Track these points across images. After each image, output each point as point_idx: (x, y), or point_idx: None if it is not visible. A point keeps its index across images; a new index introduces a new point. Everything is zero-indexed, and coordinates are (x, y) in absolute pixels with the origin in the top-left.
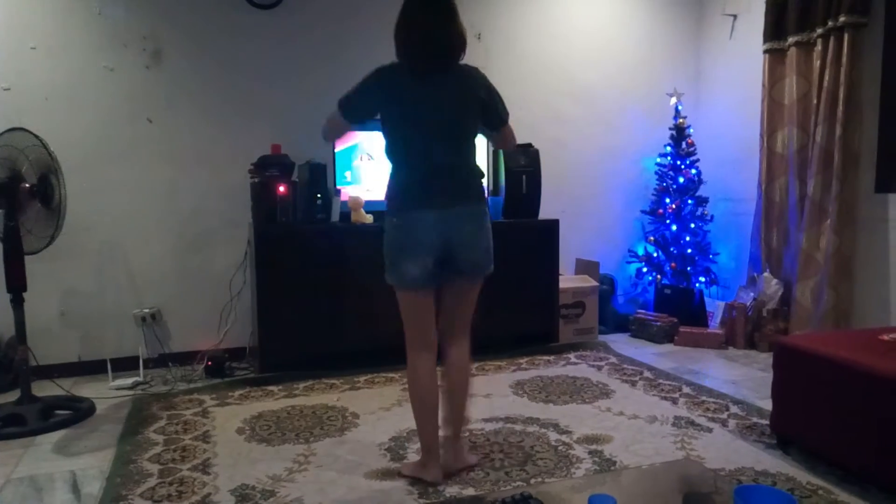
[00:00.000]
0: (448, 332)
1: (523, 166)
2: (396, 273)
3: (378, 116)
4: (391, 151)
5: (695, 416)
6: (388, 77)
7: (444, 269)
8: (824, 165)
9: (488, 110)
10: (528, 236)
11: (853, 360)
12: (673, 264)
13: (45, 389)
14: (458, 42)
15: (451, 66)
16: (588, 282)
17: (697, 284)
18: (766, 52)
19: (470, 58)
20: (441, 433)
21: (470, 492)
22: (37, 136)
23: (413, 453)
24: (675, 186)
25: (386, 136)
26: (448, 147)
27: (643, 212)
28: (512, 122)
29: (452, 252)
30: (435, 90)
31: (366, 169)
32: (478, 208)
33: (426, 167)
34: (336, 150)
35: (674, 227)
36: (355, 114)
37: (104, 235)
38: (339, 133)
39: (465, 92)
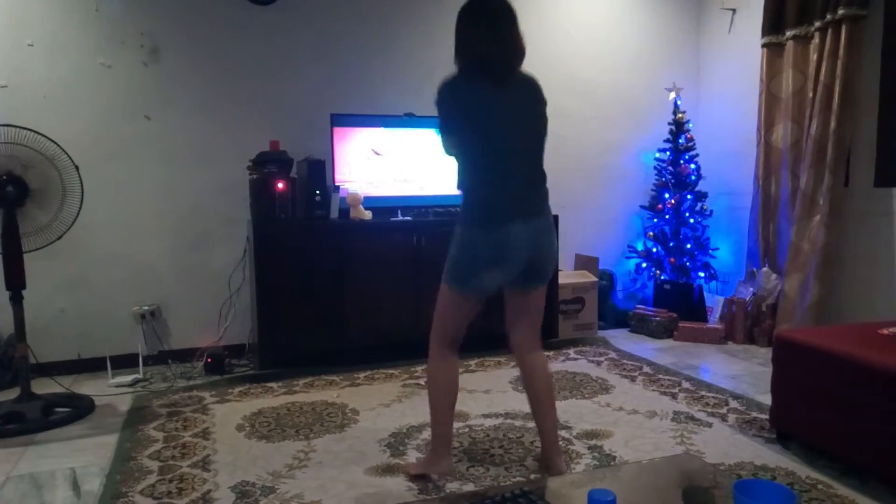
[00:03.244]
0: (525, 340)
1: None
2: (469, 283)
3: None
4: (472, 165)
5: (694, 410)
6: (461, 89)
7: (520, 278)
8: (817, 159)
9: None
10: None
11: (853, 355)
12: (672, 259)
13: (44, 387)
14: (521, 50)
15: (516, 77)
16: (587, 277)
17: (697, 280)
18: (764, 46)
19: None
20: (539, 443)
21: (470, 487)
22: (37, 132)
23: (413, 450)
24: (673, 181)
25: (463, 149)
26: (526, 159)
27: (642, 207)
28: None
29: (535, 261)
30: (508, 100)
31: (367, 167)
32: (550, 217)
33: (510, 181)
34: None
35: (673, 222)
36: (456, 135)
37: (103, 232)
38: (460, 169)
39: (532, 99)
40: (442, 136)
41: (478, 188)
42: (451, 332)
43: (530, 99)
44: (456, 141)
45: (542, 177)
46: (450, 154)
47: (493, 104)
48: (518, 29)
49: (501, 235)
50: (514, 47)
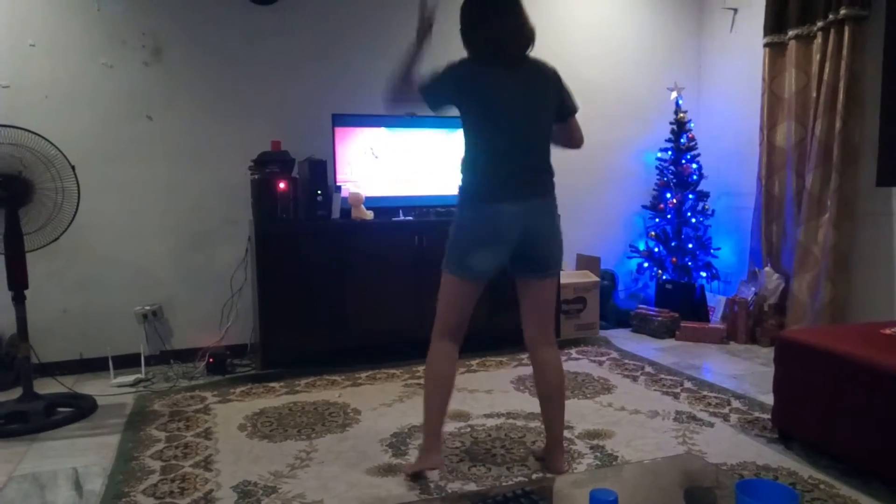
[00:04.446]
0: (536, 335)
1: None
2: (463, 264)
3: (456, 111)
4: (472, 145)
5: (696, 410)
6: (464, 71)
7: (518, 265)
8: (823, 159)
9: (562, 100)
10: None
11: (855, 355)
12: (674, 259)
13: (47, 387)
14: (529, 34)
15: (525, 59)
16: (589, 277)
17: (698, 279)
18: (766, 45)
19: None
20: (544, 438)
21: (472, 487)
22: (36, 134)
23: (415, 449)
24: (675, 181)
25: (466, 130)
26: (526, 142)
27: (644, 207)
28: None
29: (530, 245)
30: (513, 84)
31: (368, 167)
32: (552, 202)
33: (506, 162)
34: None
35: (675, 222)
36: (436, 102)
37: (105, 233)
38: (403, 98)
39: (540, 85)
40: (423, 88)
41: (473, 167)
42: (451, 322)
43: (540, 86)
44: (436, 102)
45: (544, 163)
46: (430, 105)
47: (499, 86)
48: (524, 14)
49: (489, 213)
50: (521, 29)
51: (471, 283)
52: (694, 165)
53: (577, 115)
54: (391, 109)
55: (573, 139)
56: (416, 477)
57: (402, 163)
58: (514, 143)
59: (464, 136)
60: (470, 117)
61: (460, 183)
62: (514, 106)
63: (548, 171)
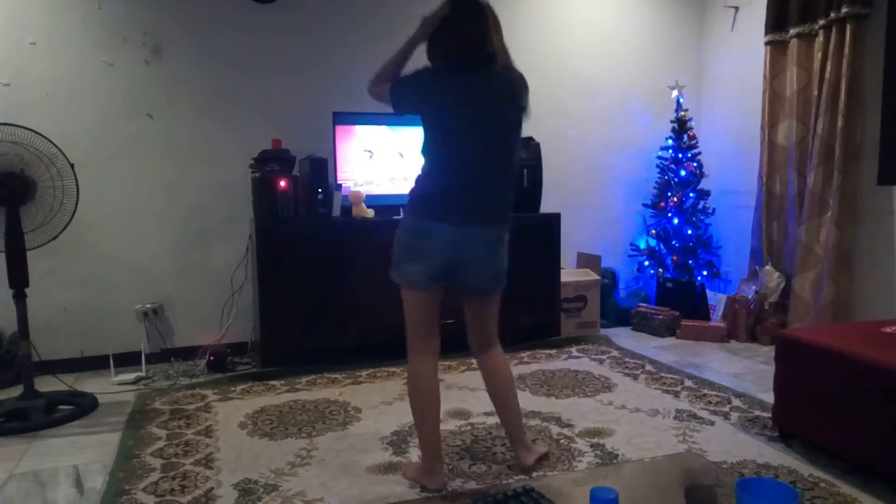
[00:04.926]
0: (478, 343)
1: (524, 160)
2: (399, 271)
3: (418, 115)
4: (426, 152)
5: (697, 409)
6: (427, 78)
7: (450, 282)
8: (825, 158)
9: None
10: (529, 230)
11: (856, 353)
12: (675, 258)
13: (47, 385)
14: (497, 48)
15: (491, 68)
16: (590, 275)
17: (699, 278)
18: (767, 44)
19: None
20: (509, 440)
21: (472, 485)
22: (36, 132)
23: (415, 447)
24: (676, 179)
25: (424, 136)
26: (485, 161)
27: (645, 205)
28: None
29: (459, 270)
30: (472, 97)
31: (369, 165)
32: (494, 232)
33: (456, 178)
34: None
35: (675, 221)
36: (401, 105)
37: (105, 231)
38: (379, 93)
39: (507, 101)
40: (392, 88)
41: (422, 179)
42: (419, 336)
43: (504, 102)
44: (400, 104)
45: (500, 186)
46: (395, 107)
47: (457, 99)
48: (494, 29)
49: (421, 228)
50: (480, 37)
51: (418, 293)
52: (695, 164)
53: (578, 114)
54: (373, 100)
55: None
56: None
57: (403, 161)
58: (463, 162)
59: (423, 141)
60: (427, 128)
61: (411, 189)
62: (471, 120)
63: (503, 196)
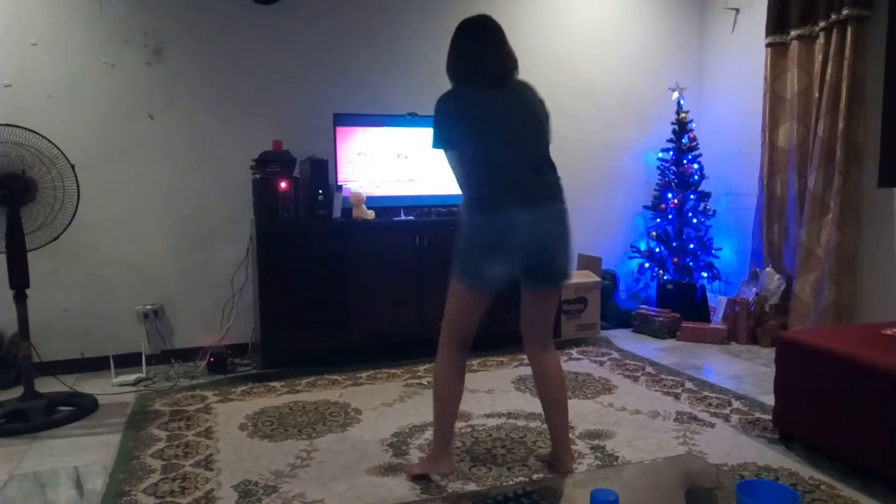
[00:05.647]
0: (536, 342)
1: None
2: (475, 274)
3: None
4: (472, 164)
5: (697, 411)
6: (455, 101)
7: (528, 273)
8: (826, 160)
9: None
10: None
11: (856, 355)
12: (675, 259)
13: (48, 386)
14: (511, 61)
15: (510, 83)
16: (590, 277)
17: (700, 280)
18: (768, 45)
19: None
20: (550, 447)
21: (472, 487)
22: (37, 133)
23: (415, 449)
24: (677, 181)
25: (464, 151)
26: (525, 150)
27: (645, 207)
28: None
29: (542, 252)
30: (501, 101)
31: (369, 166)
32: (564, 208)
33: (510, 170)
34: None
35: (676, 223)
36: (452, 145)
37: (106, 232)
38: (459, 175)
39: (528, 100)
40: (444, 149)
41: (478, 180)
42: (460, 331)
43: (526, 99)
44: (457, 154)
45: (548, 165)
46: (452, 166)
47: (489, 104)
48: (506, 42)
49: (502, 219)
50: (503, 56)
51: (482, 293)
52: (695, 166)
53: (579, 115)
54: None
55: None
56: (418, 478)
57: (404, 162)
58: (514, 151)
59: (462, 159)
60: (466, 139)
61: (465, 197)
62: (506, 118)
63: (554, 177)
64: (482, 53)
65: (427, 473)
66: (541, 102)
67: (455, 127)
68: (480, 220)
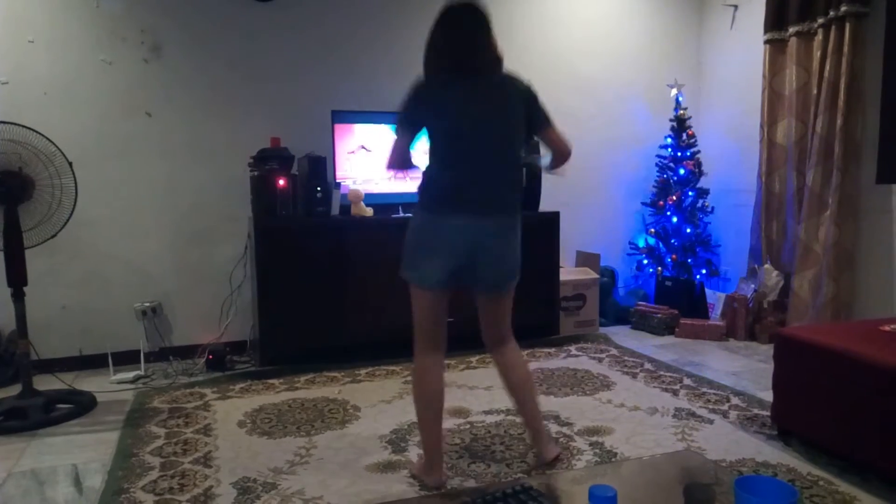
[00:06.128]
0: (492, 338)
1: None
2: (415, 271)
3: (424, 129)
4: (433, 153)
5: (695, 407)
6: (427, 88)
7: (466, 279)
8: (824, 156)
9: (530, 114)
10: (528, 229)
11: (854, 352)
12: (674, 256)
13: (46, 383)
14: (492, 51)
15: (488, 74)
16: (589, 274)
17: (698, 276)
18: (766, 42)
19: None
20: (528, 433)
21: (471, 483)
22: (35, 130)
23: (414, 446)
24: (675, 178)
25: (430, 140)
26: (490, 154)
27: (644, 204)
28: None
29: (476, 263)
30: (472, 97)
31: (368, 163)
32: (508, 221)
33: (465, 172)
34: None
35: (674, 219)
36: (411, 130)
37: (104, 229)
38: (400, 159)
39: (504, 98)
40: (397, 121)
41: (430, 176)
42: (427, 335)
43: (503, 99)
44: (412, 136)
45: (508, 177)
46: (404, 136)
47: (456, 99)
48: (486, 32)
49: (437, 222)
50: (475, 46)
51: (429, 292)
52: (694, 162)
53: (577, 112)
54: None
55: (557, 150)
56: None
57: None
58: (472, 156)
59: (429, 146)
60: (432, 133)
61: (419, 187)
62: (472, 118)
63: (512, 188)
64: (452, 43)
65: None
66: (525, 99)
67: (421, 120)
68: (422, 217)
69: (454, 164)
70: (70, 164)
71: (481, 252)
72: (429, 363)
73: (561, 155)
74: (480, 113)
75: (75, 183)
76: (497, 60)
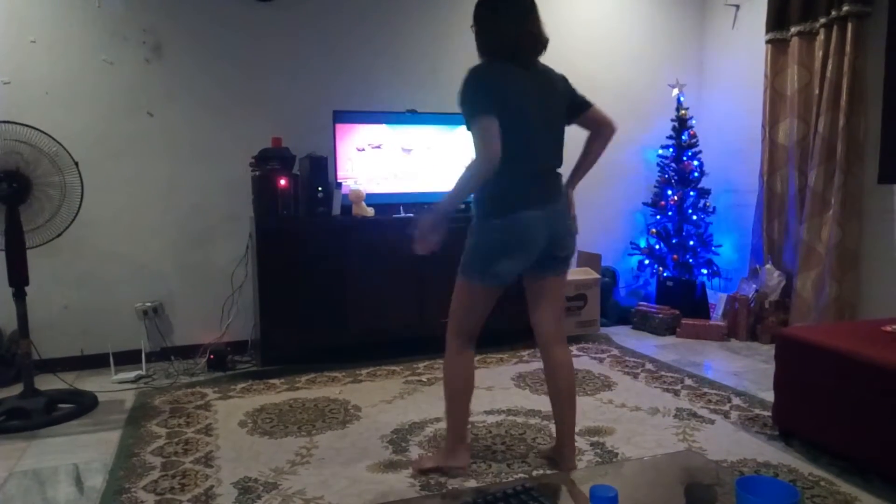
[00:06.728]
0: (548, 331)
1: None
2: (489, 273)
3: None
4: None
5: (697, 407)
6: (490, 75)
7: (539, 266)
8: (826, 156)
9: (572, 98)
10: None
11: (856, 352)
12: (675, 256)
13: (47, 383)
14: (543, 41)
15: (536, 64)
16: (590, 274)
17: (699, 277)
18: (768, 42)
19: (467, 49)
20: (554, 439)
21: (472, 484)
22: (39, 130)
23: (415, 446)
24: (676, 178)
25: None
26: (547, 145)
27: (645, 204)
28: None
29: (556, 247)
30: (529, 88)
31: (369, 163)
32: (564, 199)
33: (528, 167)
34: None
35: (676, 219)
36: (495, 115)
37: (106, 229)
38: (500, 145)
39: (552, 87)
40: (479, 107)
41: (495, 177)
42: (467, 327)
43: (551, 88)
44: (489, 124)
45: (558, 166)
46: (486, 140)
47: (517, 90)
48: (538, 17)
49: (518, 221)
50: (536, 34)
51: (492, 289)
52: (695, 162)
53: None
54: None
55: (607, 126)
56: (429, 472)
57: (403, 159)
58: (534, 146)
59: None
60: (502, 112)
61: (479, 193)
62: (531, 109)
63: (560, 173)
64: (516, 32)
65: (440, 467)
66: (564, 84)
67: (494, 95)
68: (496, 222)
69: (517, 158)
70: (76, 163)
71: (558, 236)
72: (466, 351)
73: (610, 130)
74: (536, 103)
75: (81, 182)
76: (545, 47)
